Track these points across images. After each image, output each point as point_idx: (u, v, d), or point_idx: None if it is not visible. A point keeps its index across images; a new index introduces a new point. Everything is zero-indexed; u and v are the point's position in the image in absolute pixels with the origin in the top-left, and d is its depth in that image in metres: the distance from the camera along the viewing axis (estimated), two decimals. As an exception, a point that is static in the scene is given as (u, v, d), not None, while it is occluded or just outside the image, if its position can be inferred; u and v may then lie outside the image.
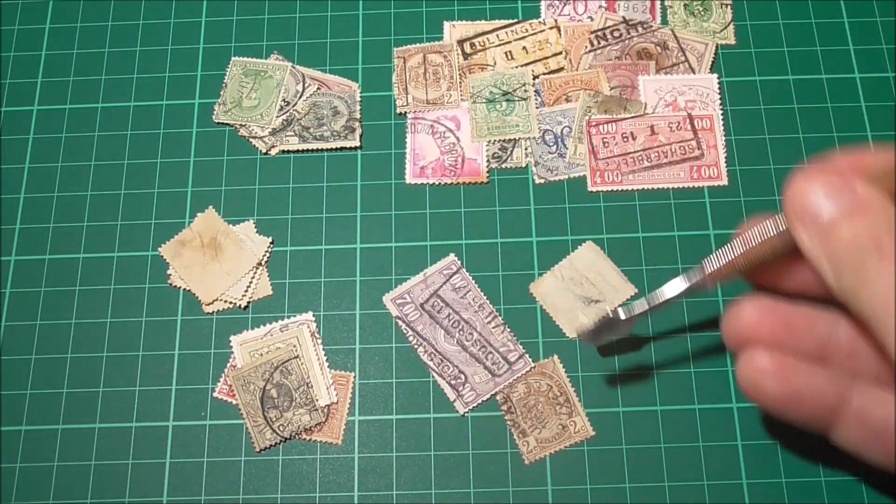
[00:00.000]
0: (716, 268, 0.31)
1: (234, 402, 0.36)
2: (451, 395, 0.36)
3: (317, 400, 0.36)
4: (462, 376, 0.36)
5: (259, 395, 0.36)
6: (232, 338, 0.37)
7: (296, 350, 0.37)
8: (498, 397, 0.36)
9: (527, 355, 0.36)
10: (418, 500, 0.35)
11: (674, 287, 0.32)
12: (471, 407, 0.36)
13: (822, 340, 0.31)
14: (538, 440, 0.35)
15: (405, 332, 0.37)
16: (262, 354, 0.37)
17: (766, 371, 0.30)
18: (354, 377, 0.37)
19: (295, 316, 0.38)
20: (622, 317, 0.33)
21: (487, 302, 0.37)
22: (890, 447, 0.28)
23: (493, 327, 0.37)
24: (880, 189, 0.28)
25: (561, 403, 0.36)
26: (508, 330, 0.37)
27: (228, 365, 0.37)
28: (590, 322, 0.34)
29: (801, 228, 0.28)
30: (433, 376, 0.36)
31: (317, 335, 0.37)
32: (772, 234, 0.30)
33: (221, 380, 0.37)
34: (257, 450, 0.36)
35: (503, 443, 0.35)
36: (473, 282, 0.38)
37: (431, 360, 0.36)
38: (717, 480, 0.35)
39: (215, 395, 0.37)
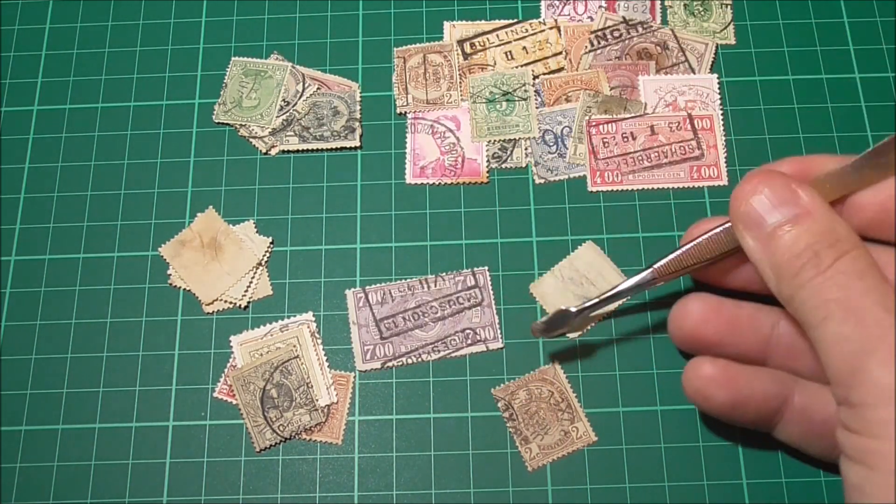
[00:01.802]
0: (664, 266, 0.33)
1: (234, 402, 0.36)
2: (480, 348, 0.36)
3: (317, 400, 0.36)
4: (468, 331, 0.36)
5: (259, 395, 0.36)
6: (232, 338, 0.37)
7: (296, 350, 0.37)
8: (499, 404, 0.36)
9: (475, 269, 0.38)
10: (418, 501, 0.35)
11: (623, 283, 0.34)
12: (500, 337, 0.37)
13: (764, 338, 0.32)
14: (540, 447, 0.35)
15: (401, 364, 0.36)
16: (262, 354, 0.37)
17: (712, 379, 0.31)
18: (354, 377, 0.37)
19: (295, 316, 0.38)
20: (573, 310, 0.34)
21: (405, 280, 0.37)
22: (829, 441, 0.29)
23: (436, 287, 0.37)
24: (824, 196, 0.29)
25: (563, 409, 0.36)
26: (442, 273, 0.37)
27: (228, 365, 0.37)
28: (542, 318, 0.36)
29: (746, 233, 0.29)
30: (458, 354, 0.36)
31: (317, 335, 0.37)
32: (719, 235, 0.31)
33: (221, 380, 0.37)
34: (257, 450, 0.36)
35: (503, 443, 0.35)
36: (382, 284, 0.38)
37: (437, 351, 0.36)
38: (717, 480, 0.35)
39: (215, 395, 0.37)
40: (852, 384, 0.24)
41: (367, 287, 0.37)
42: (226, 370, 0.37)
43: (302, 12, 0.44)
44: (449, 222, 0.39)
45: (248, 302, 0.38)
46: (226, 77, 0.42)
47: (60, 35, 0.44)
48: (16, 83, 0.43)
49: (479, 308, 0.37)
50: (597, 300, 0.34)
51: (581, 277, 0.38)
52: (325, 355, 0.37)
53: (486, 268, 0.38)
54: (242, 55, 0.43)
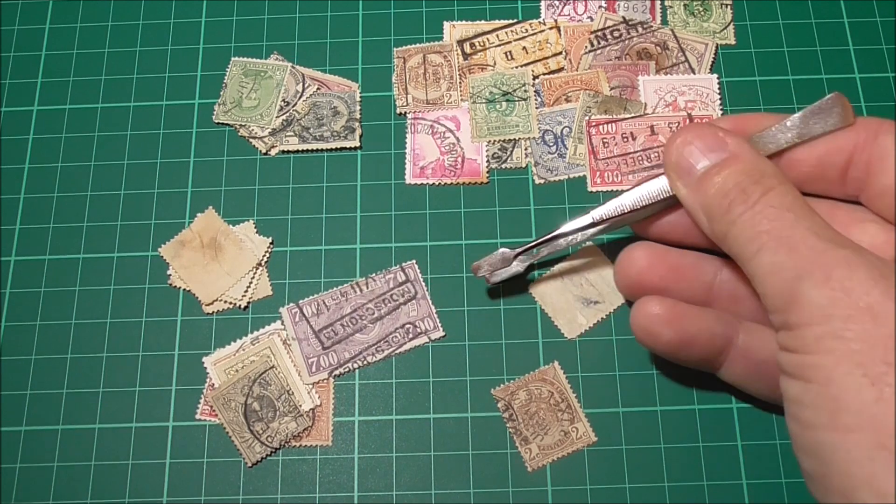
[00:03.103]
0: (603, 211, 0.34)
1: (218, 421, 0.36)
2: (423, 340, 0.37)
3: (300, 405, 0.36)
4: (408, 326, 0.37)
5: (242, 410, 0.36)
6: (204, 359, 0.37)
7: (270, 360, 0.37)
8: (499, 404, 0.36)
9: (404, 265, 0.38)
10: (418, 501, 0.35)
11: (562, 227, 0.35)
12: (440, 327, 0.37)
13: (707, 285, 0.33)
14: (540, 447, 0.35)
15: (347, 370, 0.37)
16: (237, 370, 0.37)
17: (659, 317, 0.32)
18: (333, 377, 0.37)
19: (265, 326, 0.38)
20: (513, 252, 0.36)
21: (338, 288, 0.38)
22: (770, 380, 0.31)
23: (368, 289, 0.37)
24: (761, 151, 0.30)
25: (562, 410, 0.36)
26: (371, 275, 0.38)
27: (206, 386, 0.37)
28: (483, 258, 0.36)
29: (678, 181, 0.31)
30: (401, 351, 0.37)
31: (289, 342, 0.37)
32: (657, 186, 0.32)
33: (201, 401, 0.37)
34: (249, 465, 0.35)
35: (503, 443, 0.35)
36: (315, 296, 0.38)
37: (381, 351, 0.37)
38: (717, 480, 0.35)
39: (197, 416, 0.36)
40: (790, 308, 0.25)
41: (301, 301, 0.37)
42: (204, 392, 0.37)
43: (302, 12, 0.44)
44: (449, 222, 0.39)
45: (248, 302, 0.38)
46: (226, 77, 0.42)
47: (60, 35, 0.44)
48: (16, 83, 0.43)
49: (414, 301, 0.37)
50: (537, 241, 0.35)
51: (581, 278, 0.38)
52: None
53: (415, 261, 0.38)
54: (242, 55, 0.43)
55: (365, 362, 0.36)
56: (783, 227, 0.26)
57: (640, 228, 0.34)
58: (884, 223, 0.30)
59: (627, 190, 0.33)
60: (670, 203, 0.33)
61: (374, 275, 0.38)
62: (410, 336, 0.37)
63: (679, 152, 0.30)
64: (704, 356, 0.32)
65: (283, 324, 0.37)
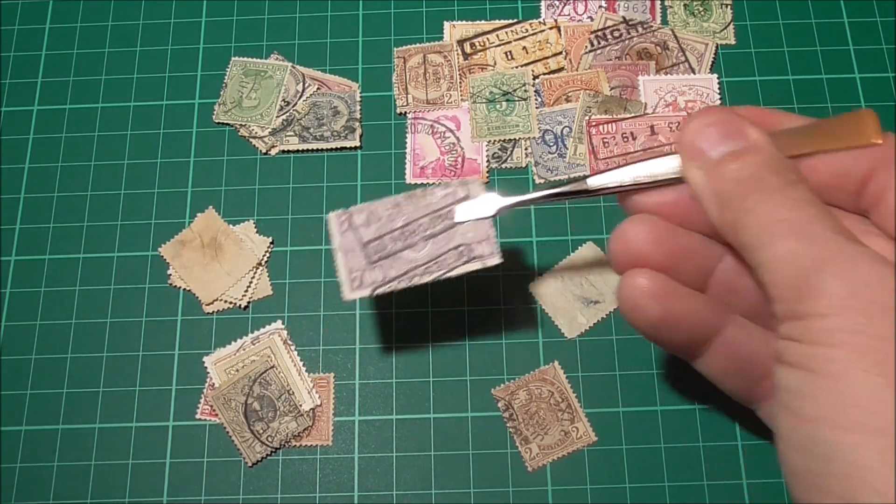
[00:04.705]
0: (602, 188, 0.31)
1: (219, 420, 0.36)
2: (476, 266, 0.33)
3: (300, 405, 0.36)
4: (462, 248, 0.33)
5: (242, 410, 0.36)
6: (205, 359, 0.37)
7: (271, 360, 0.37)
8: (499, 404, 0.36)
9: (466, 181, 0.34)
10: (418, 501, 0.35)
11: (556, 190, 0.32)
12: (498, 252, 0.33)
13: (707, 271, 0.31)
14: (540, 447, 0.35)
15: (391, 290, 0.33)
16: (237, 370, 0.37)
17: (649, 291, 0.30)
18: (333, 377, 0.37)
19: (265, 326, 0.38)
20: (499, 204, 0.33)
21: (389, 197, 0.34)
22: (748, 379, 0.30)
23: (424, 202, 0.33)
24: (772, 141, 0.29)
25: (563, 409, 0.36)
26: (428, 189, 0.34)
27: (206, 386, 0.37)
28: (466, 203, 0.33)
29: (692, 164, 0.29)
30: (452, 274, 0.33)
31: (289, 342, 0.37)
32: (661, 168, 0.30)
33: (201, 401, 0.37)
34: (249, 465, 0.35)
35: (503, 443, 0.35)
36: (365, 203, 0.34)
37: (430, 273, 0.33)
38: (717, 480, 0.35)
39: (197, 416, 0.36)
40: (803, 297, 0.24)
41: (353, 207, 0.34)
42: (204, 391, 0.37)
43: (302, 12, 0.44)
44: (449, 222, 0.39)
45: (248, 302, 0.38)
46: (226, 77, 0.42)
47: (60, 35, 0.44)
48: (16, 83, 0.43)
49: (472, 221, 0.33)
50: (529, 198, 0.32)
51: (581, 278, 0.38)
52: (300, 360, 0.37)
53: (478, 176, 0.35)
54: (242, 55, 0.43)
55: (411, 283, 0.33)
56: (803, 219, 0.26)
57: (637, 205, 0.31)
58: (889, 239, 0.29)
59: (630, 164, 0.31)
60: (670, 184, 0.31)
61: (432, 187, 0.34)
62: (464, 259, 0.33)
63: (696, 133, 0.29)
64: (688, 341, 0.31)
65: (329, 231, 0.34)
